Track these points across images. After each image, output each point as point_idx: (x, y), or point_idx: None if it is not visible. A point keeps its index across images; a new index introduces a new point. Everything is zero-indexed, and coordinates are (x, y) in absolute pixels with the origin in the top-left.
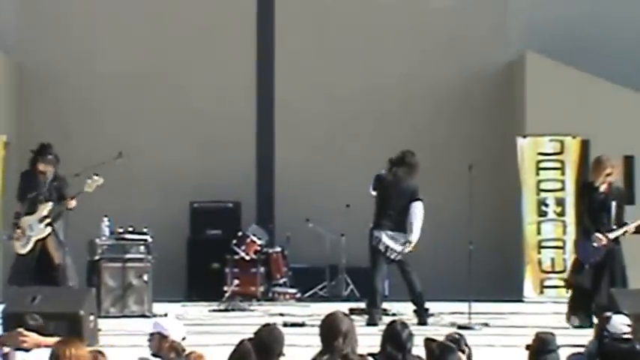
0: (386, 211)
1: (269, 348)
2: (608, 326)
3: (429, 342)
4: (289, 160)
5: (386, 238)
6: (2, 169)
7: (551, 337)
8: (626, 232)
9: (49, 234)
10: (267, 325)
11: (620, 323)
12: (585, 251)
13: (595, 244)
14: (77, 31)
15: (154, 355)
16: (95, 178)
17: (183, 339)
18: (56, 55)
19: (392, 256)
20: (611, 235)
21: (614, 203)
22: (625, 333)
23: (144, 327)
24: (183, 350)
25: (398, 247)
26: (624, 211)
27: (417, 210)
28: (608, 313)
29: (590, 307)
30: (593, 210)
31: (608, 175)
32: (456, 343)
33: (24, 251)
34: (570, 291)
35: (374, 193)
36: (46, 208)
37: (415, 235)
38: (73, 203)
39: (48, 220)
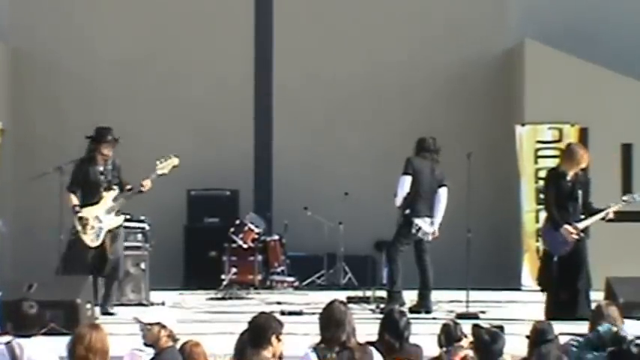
0: (422, 196)
1: (257, 335)
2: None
3: (476, 328)
4: (287, 148)
5: (425, 226)
6: None
7: (547, 327)
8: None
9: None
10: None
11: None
12: (555, 242)
13: (565, 236)
14: (74, 17)
15: (146, 344)
16: (170, 158)
17: (159, 324)
18: (52, 40)
19: (426, 238)
20: (580, 226)
21: (580, 192)
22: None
23: (141, 315)
24: (170, 336)
25: (429, 229)
26: (589, 199)
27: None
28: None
29: (566, 305)
30: (560, 199)
31: (580, 164)
32: (500, 329)
33: (95, 244)
34: (545, 294)
35: (408, 177)
36: (110, 196)
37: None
38: (148, 184)
39: (118, 209)
